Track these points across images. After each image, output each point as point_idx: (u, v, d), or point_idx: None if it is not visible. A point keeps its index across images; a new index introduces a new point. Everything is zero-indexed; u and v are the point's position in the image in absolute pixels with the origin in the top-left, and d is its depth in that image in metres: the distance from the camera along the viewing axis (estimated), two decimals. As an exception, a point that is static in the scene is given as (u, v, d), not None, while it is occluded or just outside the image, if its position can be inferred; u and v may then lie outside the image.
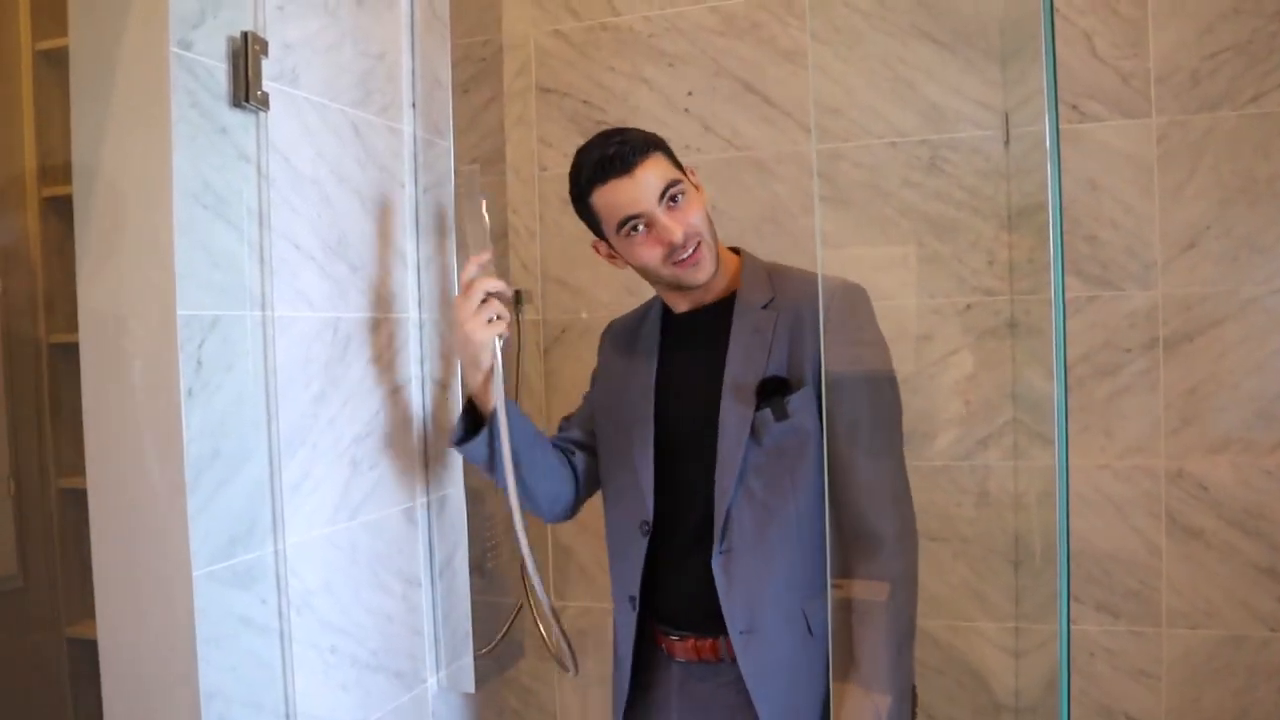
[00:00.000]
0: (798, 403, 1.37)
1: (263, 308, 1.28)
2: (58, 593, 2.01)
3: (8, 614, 1.96)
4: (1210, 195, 1.83)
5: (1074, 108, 1.89)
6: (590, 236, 1.50)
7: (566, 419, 1.67)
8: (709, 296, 1.48)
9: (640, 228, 1.39)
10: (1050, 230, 0.96)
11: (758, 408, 1.38)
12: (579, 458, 1.61)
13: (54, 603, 2.01)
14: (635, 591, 1.48)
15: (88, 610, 1.22)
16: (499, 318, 1.43)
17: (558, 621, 1.64)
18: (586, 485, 1.62)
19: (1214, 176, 1.83)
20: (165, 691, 1.18)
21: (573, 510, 1.63)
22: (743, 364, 1.41)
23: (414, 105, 1.63)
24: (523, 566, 1.53)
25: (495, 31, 2.06)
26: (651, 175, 1.37)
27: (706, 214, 1.43)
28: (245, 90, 1.24)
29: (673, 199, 1.39)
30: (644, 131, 1.42)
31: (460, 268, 1.49)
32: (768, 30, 2.06)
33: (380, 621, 1.53)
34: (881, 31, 1.99)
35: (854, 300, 1.43)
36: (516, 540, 1.50)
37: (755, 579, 1.40)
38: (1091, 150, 1.89)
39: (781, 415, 1.37)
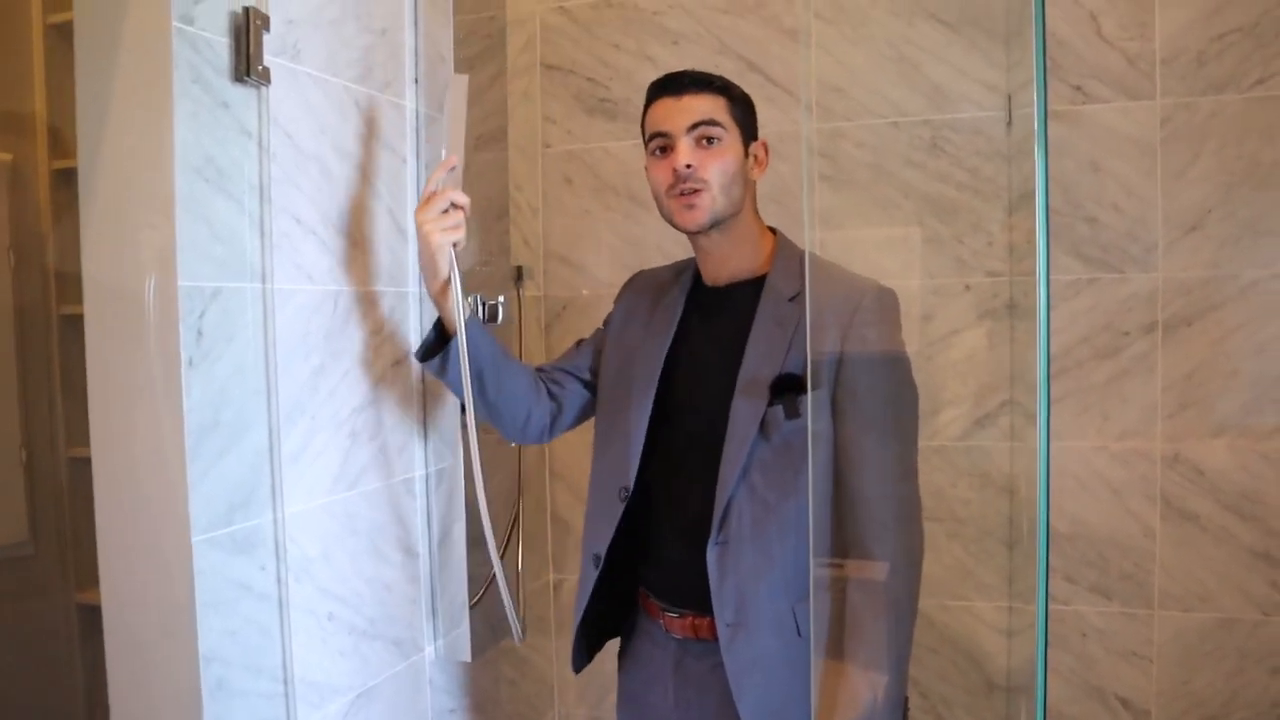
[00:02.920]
0: (808, 405, 1.36)
1: (263, 280, 1.30)
2: (67, 559, 2.05)
3: (19, 580, 1.99)
4: (1214, 178, 1.83)
5: (1078, 89, 1.89)
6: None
7: (573, 349, 1.68)
8: (738, 274, 1.47)
9: (663, 150, 1.43)
10: (1037, 214, 0.97)
11: (770, 403, 1.37)
12: (569, 387, 1.61)
13: (63, 569, 2.05)
14: (601, 551, 1.49)
15: (96, 577, 1.25)
16: (456, 226, 1.40)
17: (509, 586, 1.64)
18: (574, 415, 1.63)
19: (1218, 160, 1.83)
20: (166, 654, 1.21)
21: (548, 434, 1.62)
22: (761, 356, 1.40)
23: (416, 81, 1.64)
24: (478, 519, 1.51)
25: (500, 8, 2.07)
26: (696, 105, 1.40)
27: (739, 177, 1.41)
28: (247, 65, 1.25)
29: (706, 139, 1.40)
30: (727, 80, 1.44)
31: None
32: (771, 9, 2.06)
33: (378, 590, 1.56)
34: (886, 11, 1.99)
35: (885, 306, 1.41)
36: (470, 468, 1.49)
37: (748, 574, 1.40)
38: (1094, 132, 1.89)
39: (793, 414, 1.36)
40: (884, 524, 1.38)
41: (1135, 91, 1.86)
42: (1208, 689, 1.88)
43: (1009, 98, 1.92)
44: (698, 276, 1.54)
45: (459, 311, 1.41)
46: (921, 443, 1.98)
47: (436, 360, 1.46)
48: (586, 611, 1.53)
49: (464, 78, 1.46)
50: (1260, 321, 1.81)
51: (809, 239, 1.34)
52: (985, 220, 1.95)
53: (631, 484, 1.47)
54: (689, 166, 1.38)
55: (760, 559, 1.39)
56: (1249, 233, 1.82)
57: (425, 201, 1.40)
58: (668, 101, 1.42)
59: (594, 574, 1.50)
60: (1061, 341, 1.92)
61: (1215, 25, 1.81)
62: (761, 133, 1.49)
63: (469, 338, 1.43)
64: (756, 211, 1.49)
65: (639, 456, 1.47)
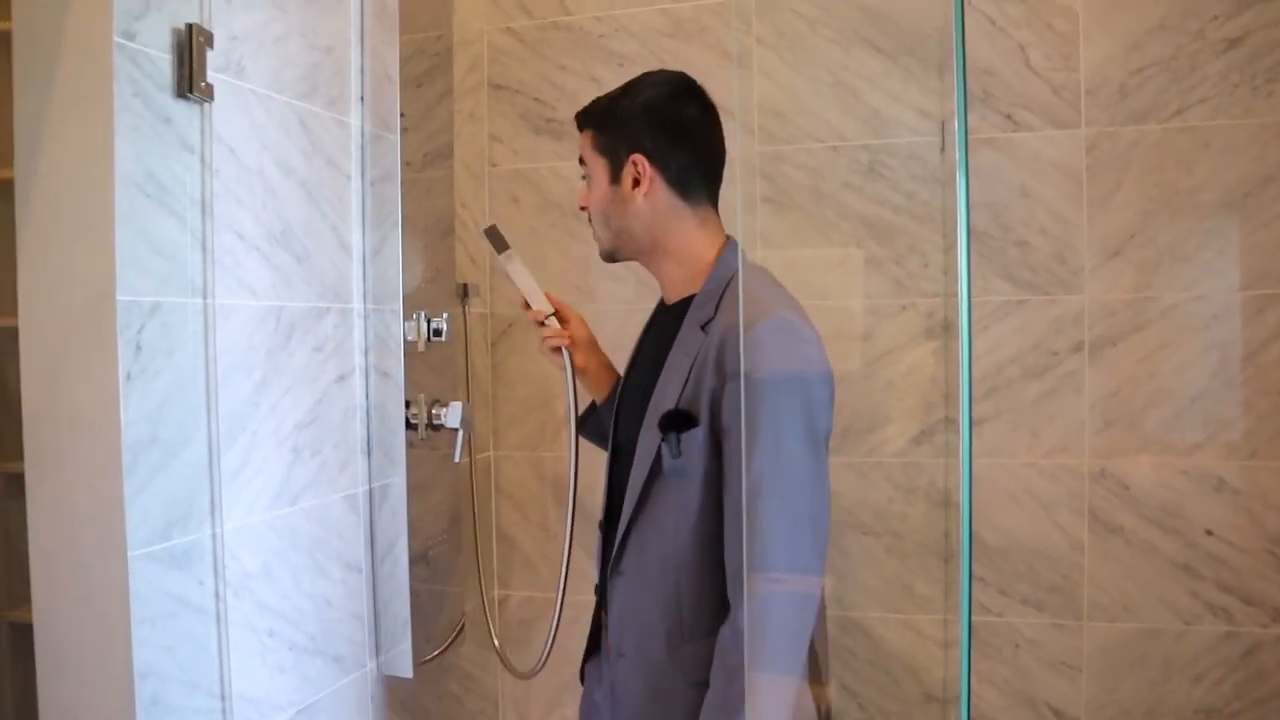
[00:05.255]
0: (689, 441, 1.32)
1: (204, 295, 1.30)
2: (-2, 578, 2.02)
3: (-52, 599, 1.95)
4: (1135, 205, 1.91)
5: (1008, 117, 1.95)
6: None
7: None
8: (683, 291, 1.44)
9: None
10: (959, 238, 1.01)
11: (663, 438, 1.35)
12: None
13: (-6, 587, 2.01)
14: (598, 581, 1.52)
15: (28, 595, 1.24)
16: (547, 339, 1.64)
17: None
18: None
19: (1139, 187, 1.90)
20: (99, 670, 1.20)
21: None
22: (665, 388, 1.37)
23: (362, 99, 1.66)
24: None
25: (447, 28, 2.09)
26: (581, 145, 1.48)
27: (613, 207, 1.43)
28: (189, 81, 1.26)
29: (584, 179, 1.48)
30: (594, 105, 1.46)
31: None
32: (714, 34, 2.10)
33: (320, 606, 1.56)
34: (825, 39, 2.04)
35: (772, 337, 1.30)
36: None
37: (631, 607, 1.42)
38: (1023, 159, 1.95)
39: (675, 452, 1.33)
40: (771, 547, 1.28)
41: (1062, 120, 1.93)
42: (1133, 697, 1.94)
43: (942, 124, 1.98)
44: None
45: (570, 404, 1.64)
46: (860, 459, 2.04)
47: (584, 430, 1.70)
48: (589, 636, 1.55)
49: (512, 256, 1.66)
50: (1179, 343, 1.89)
51: (743, 261, 1.36)
52: (921, 242, 2.00)
53: (603, 516, 1.52)
54: (582, 208, 1.48)
55: (642, 594, 1.40)
56: (1168, 258, 1.89)
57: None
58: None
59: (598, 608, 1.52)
60: (993, 361, 1.98)
61: (1135, 59, 1.88)
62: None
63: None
64: (699, 226, 1.42)
65: (606, 489, 1.51)
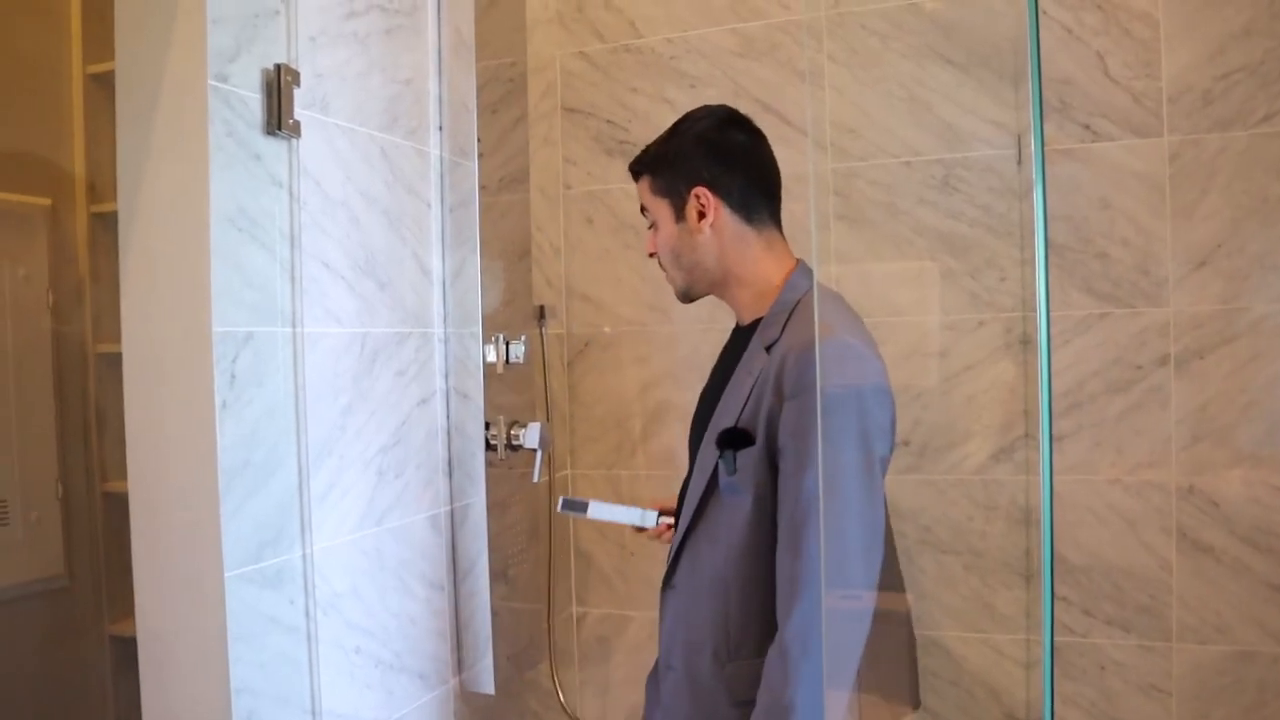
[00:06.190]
0: (744, 460, 1.33)
1: (293, 324, 1.35)
2: (101, 592, 2.11)
3: (56, 613, 2.05)
4: (1222, 214, 1.86)
5: (1086, 127, 1.92)
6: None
7: None
8: (755, 312, 1.44)
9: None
10: (1036, 251, 1.00)
11: (720, 455, 1.36)
12: None
13: (97, 602, 2.10)
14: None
15: (128, 609, 1.29)
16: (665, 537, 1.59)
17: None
18: None
19: (1226, 196, 1.85)
20: (198, 686, 1.25)
21: None
22: (727, 406, 1.38)
23: (440, 128, 1.70)
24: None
25: (521, 54, 2.13)
26: (640, 194, 1.49)
27: (681, 246, 1.43)
28: (278, 119, 1.31)
29: (650, 226, 1.48)
30: (645, 153, 1.47)
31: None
32: (786, 52, 2.11)
33: (404, 624, 1.59)
34: (898, 54, 2.03)
35: (833, 359, 1.29)
36: None
37: (678, 622, 1.42)
38: (1104, 169, 1.92)
39: (730, 469, 1.34)
40: (839, 562, 1.27)
41: (1143, 129, 1.89)
42: (1227, 722, 1.88)
43: (1019, 136, 1.95)
44: None
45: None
46: (939, 476, 2.02)
47: None
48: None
49: (597, 509, 1.62)
50: (1271, 355, 1.83)
51: (816, 278, 1.37)
52: (998, 256, 1.98)
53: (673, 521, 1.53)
54: (651, 255, 1.49)
55: (691, 610, 1.41)
56: (1258, 267, 1.84)
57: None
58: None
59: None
60: (1074, 376, 1.95)
61: (1219, 65, 1.84)
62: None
63: None
64: (766, 249, 1.42)
65: (680, 493, 1.51)
